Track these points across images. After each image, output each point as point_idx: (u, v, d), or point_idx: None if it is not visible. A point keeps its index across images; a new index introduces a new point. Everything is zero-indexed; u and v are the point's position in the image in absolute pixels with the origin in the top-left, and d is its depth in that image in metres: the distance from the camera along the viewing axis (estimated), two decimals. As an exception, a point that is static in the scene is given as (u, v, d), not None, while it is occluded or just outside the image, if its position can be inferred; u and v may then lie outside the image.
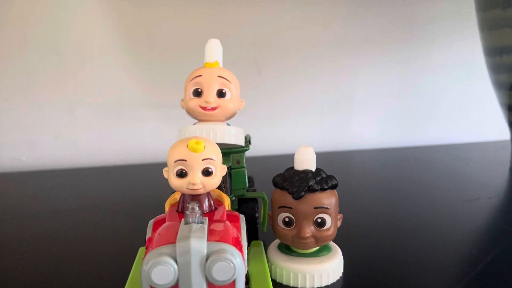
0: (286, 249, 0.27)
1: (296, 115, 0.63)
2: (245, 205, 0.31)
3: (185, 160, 0.22)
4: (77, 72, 0.56)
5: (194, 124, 0.29)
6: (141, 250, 0.28)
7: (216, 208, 0.24)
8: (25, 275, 0.28)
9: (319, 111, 0.63)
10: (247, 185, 0.31)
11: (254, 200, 0.32)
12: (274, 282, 0.26)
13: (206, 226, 0.20)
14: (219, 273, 0.18)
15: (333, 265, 0.26)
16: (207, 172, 0.22)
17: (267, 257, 0.27)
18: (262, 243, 0.29)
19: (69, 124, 0.58)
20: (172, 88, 0.58)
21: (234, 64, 0.57)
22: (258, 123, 0.61)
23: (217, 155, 0.23)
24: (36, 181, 0.52)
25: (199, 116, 0.29)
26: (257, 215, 0.31)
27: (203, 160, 0.22)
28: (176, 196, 0.25)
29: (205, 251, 0.19)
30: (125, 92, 0.58)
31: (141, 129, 0.59)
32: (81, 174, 0.54)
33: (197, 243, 0.18)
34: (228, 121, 0.30)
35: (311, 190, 0.25)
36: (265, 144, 0.61)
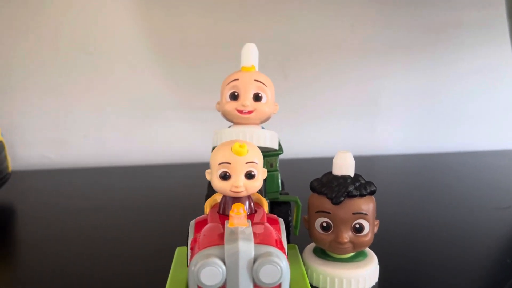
0: (322, 253, 0.27)
1: (321, 119, 0.62)
2: (278, 208, 0.31)
3: (229, 163, 0.22)
4: (107, 72, 0.57)
5: (229, 127, 0.30)
6: (179, 250, 0.28)
7: (256, 211, 0.24)
8: (55, 274, 0.29)
9: (344, 115, 0.63)
10: (280, 188, 0.31)
11: (287, 203, 0.32)
12: (310, 286, 0.26)
13: (250, 229, 0.20)
14: (267, 276, 0.19)
15: (369, 271, 0.26)
16: (250, 175, 0.23)
17: (302, 261, 0.27)
18: (297, 246, 0.29)
19: (97, 123, 0.59)
20: (200, 91, 0.58)
21: (262, 67, 0.57)
22: (282, 127, 0.61)
23: (259, 159, 0.23)
24: (64, 179, 0.53)
25: (235, 119, 0.29)
26: (290, 219, 0.31)
27: (246, 163, 0.22)
28: (216, 198, 0.25)
29: (252, 254, 0.19)
30: (153, 93, 0.58)
31: (168, 130, 0.60)
32: (108, 173, 0.55)
33: (245, 245, 0.19)
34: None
35: (350, 195, 0.25)
36: (289, 147, 0.60)
